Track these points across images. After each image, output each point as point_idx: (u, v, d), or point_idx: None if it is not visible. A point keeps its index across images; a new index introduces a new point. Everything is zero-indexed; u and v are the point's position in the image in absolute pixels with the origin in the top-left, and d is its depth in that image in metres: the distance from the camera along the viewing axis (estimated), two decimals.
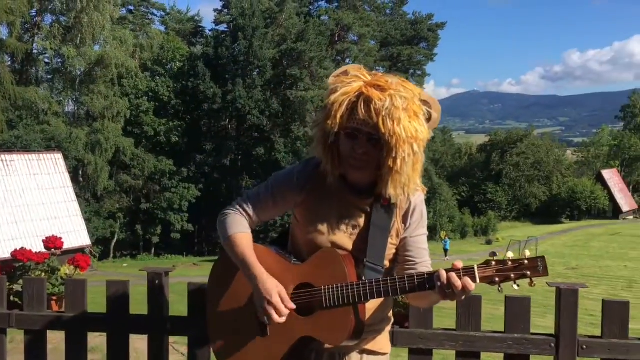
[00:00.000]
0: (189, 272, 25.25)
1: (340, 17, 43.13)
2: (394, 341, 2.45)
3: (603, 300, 2.38)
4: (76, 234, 27.64)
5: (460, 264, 1.68)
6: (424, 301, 1.92)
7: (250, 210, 1.95)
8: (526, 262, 1.67)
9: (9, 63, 37.18)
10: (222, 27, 45.94)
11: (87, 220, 31.85)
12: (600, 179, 60.01)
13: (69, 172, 30.37)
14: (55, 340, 3.00)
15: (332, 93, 1.78)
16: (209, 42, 44.17)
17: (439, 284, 1.68)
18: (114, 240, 39.56)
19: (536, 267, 1.66)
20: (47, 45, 36.15)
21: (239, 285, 1.96)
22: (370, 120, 1.71)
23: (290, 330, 1.84)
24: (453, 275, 1.66)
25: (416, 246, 1.93)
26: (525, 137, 60.91)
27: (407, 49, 47.16)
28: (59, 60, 38.52)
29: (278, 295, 1.78)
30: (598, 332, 2.40)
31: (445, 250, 32.56)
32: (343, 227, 1.89)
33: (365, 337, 1.91)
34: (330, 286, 1.79)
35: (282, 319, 1.78)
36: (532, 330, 2.42)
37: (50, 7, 37.50)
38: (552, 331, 2.44)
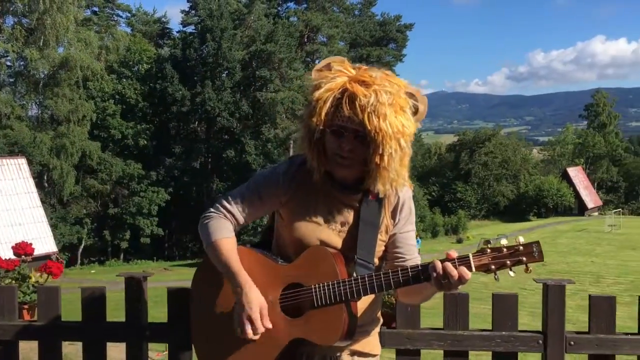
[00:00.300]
0: (160, 278, 24.89)
1: (309, 19, 43.13)
2: (381, 342, 2.40)
3: (590, 295, 2.37)
4: (42, 240, 26.95)
5: (455, 254, 1.66)
6: (417, 296, 1.88)
7: (234, 212, 1.88)
8: (521, 248, 1.65)
9: None
10: (190, 29, 45.53)
11: (53, 227, 31.16)
12: (565, 177, 61.24)
13: (34, 178, 29.70)
14: (24, 350, 2.88)
15: (315, 89, 1.74)
16: (177, 44, 43.69)
17: (434, 274, 1.65)
18: (81, 247, 38.80)
19: (531, 252, 1.65)
20: (8, 47, 35.28)
21: (223, 290, 1.89)
22: (355, 117, 1.68)
23: (280, 334, 1.79)
24: (449, 265, 1.63)
25: (405, 242, 1.90)
26: (492, 137, 61.79)
27: (376, 50, 47.40)
28: (22, 63, 37.65)
29: (259, 311, 1.75)
30: (568, 328, 2.38)
31: None
32: (331, 224, 1.85)
33: (356, 337, 1.86)
34: (321, 285, 1.75)
35: (256, 337, 1.75)
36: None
37: (11, 9, 36.66)
38: (530, 328, 2.43)
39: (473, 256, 1.65)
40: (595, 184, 65.75)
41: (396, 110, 1.70)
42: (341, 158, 1.75)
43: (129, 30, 49.21)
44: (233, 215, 1.88)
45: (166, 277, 24.73)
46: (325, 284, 1.74)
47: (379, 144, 1.68)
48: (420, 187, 52.90)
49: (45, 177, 36.72)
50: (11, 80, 39.48)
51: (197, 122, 42.89)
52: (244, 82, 41.84)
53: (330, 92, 1.72)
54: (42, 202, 29.55)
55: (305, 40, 44.70)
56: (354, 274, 1.77)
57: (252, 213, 1.90)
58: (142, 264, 38.04)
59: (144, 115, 42.09)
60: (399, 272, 1.72)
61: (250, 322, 1.74)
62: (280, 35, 39.66)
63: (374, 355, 1.99)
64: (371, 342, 1.98)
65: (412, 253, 1.90)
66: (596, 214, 58.95)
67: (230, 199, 1.90)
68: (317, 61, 45.90)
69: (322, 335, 1.76)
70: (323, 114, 1.71)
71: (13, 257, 2.75)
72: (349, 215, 1.85)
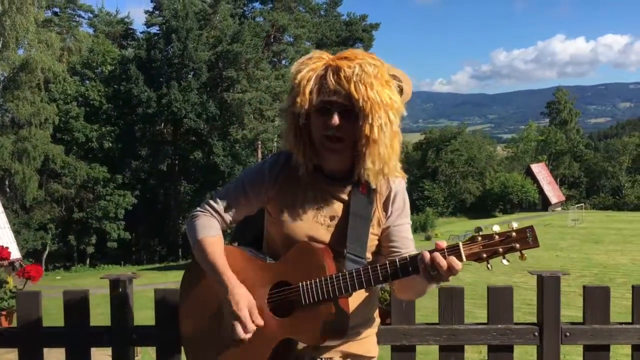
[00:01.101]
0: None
1: (275, 19, 42.95)
2: (376, 339, 2.36)
3: (584, 286, 2.38)
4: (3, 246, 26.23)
5: (444, 243, 1.58)
6: (412, 290, 1.80)
7: (221, 210, 1.83)
8: (514, 234, 1.55)
9: None
10: (154, 29, 44.83)
11: (16, 233, 30.36)
12: (529, 173, 62.40)
13: None
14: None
15: (296, 74, 1.71)
16: (141, 45, 43.03)
17: (422, 265, 1.57)
18: (46, 253, 37.88)
19: (525, 238, 1.54)
20: None
21: (212, 292, 1.81)
22: (341, 88, 1.64)
23: (269, 334, 1.73)
24: (437, 255, 1.55)
25: (400, 235, 1.82)
26: (458, 135, 62.60)
27: (342, 50, 47.48)
28: None
29: (247, 310, 1.70)
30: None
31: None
32: (320, 218, 1.79)
33: (350, 339, 1.81)
34: (308, 282, 1.68)
35: (248, 336, 1.69)
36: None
37: None
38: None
39: (463, 245, 1.56)
40: (558, 180, 67.19)
41: (382, 83, 1.66)
42: (330, 141, 1.69)
43: (91, 31, 48.32)
44: (219, 214, 1.83)
45: (138, 282, 24.25)
46: (313, 281, 1.68)
47: (368, 114, 1.63)
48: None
49: (7, 182, 35.79)
50: None
51: (163, 124, 42.30)
52: (210, 82, 41.44)
53: (313, 71, 1.68)
54: (4, 207, 28.74)
55: (272, 40, 44.51)
56: (344, 270, 1.69)
57: (240, 210, 1.85)
58: (109, 269, 37.34)
59: (109, 117, 41.30)
60: (387, 265, 1.64)
61: (240, 322, 1.69)
62: (246, 36, 39.38)
63: (370, 358, 1.91)
64: (366, 344, 1.90)
65: (408, 246, 1.82)
66: (559, 209, 60.23)
67: (216, 198, 1.85)
68: (283, 61, 45.78)
69: (308, 334, 1.70)
70: (307, 92, 1.67)
71: None
72: (339, 209, 1.79)
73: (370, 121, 1.64)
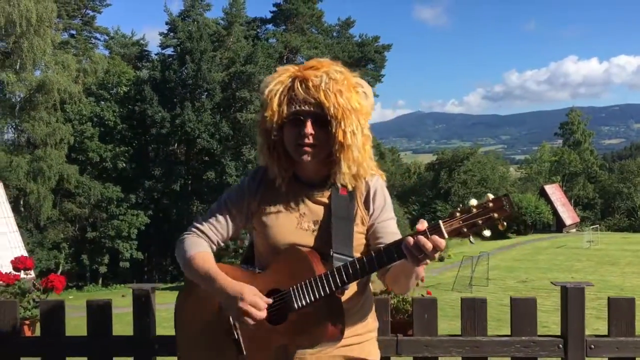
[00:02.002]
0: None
1: (288, 40, 43.38)
2: (398, 350, 2.35)
3: (609, 298, 2.35)
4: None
5: (424, 224, 1.57)
6: (403, 279, 1.75)
7: (207, 230, 1.86)
8: (490, 204, 1.53)
9: None
10: (169, 51, 45.45)
11: (30, 252, 30.54)
12: (543, 194, 61.92)
13: (10, 202, 29.09)
14: None
15: (264, 88, 1.75)
16: (156, 66, 43.54)
17: (408, 250, 1.56)
18: (59, 272, 38.00)
19: (502, 206, 1.52)
20: None
21: (205, 309, 1.83)
22: (311, 98, 1.68)
23: (265, 343, 1.73)
24: (421, 237, 1.54)
25: (386, 231, 1.83)
26: (471, 155, 62.45)
27: (354, 71, 47.59)
28: None
29: (250, 292, 1.67)
30: None
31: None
32: (304, 225, 1.81)
33: (350, 343, 1.80)
34: (297, 285, 1.68)
35: (262, 314, 1.65)
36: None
37: None
38: None
39: (443, 222, 1.55)
40: (572, 201, 66.62)
41: (349, 89, 1.71)
42: (303, 149, 1.71)
43: (107, 52, 48.98)
44: (206, 235, 1.86)
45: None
46: (302, 284, 1.68)
47: (340, 120, 1.67)
48: (400, 206, 53.07)
49: (22, 202, 36.04)
50: None
51: (176, 144, 42.60)
52: (224, 103, 41.77)
53: (280, 84, 1.72)
54: (19, 226, 28.94)
55: (285, 61, 44.90)
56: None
57: (226, 229, 1.87)
58: (121, 288, 37.32)
59: (123, 137, 41.69)
60: (373, 255, 1.64)
61: (248, 306, 1.65)
62: (259, 57, 39.76)
63: None
64: (367, 347, 1.88)
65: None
66: (574, 230, 59.62)
67: (201, 220, 1.88)
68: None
69: (304, 338, 1.69)
70: (275, 104, 1.70)
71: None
72: (321, 213, 1.81)
73: (343, 127, 1.68)
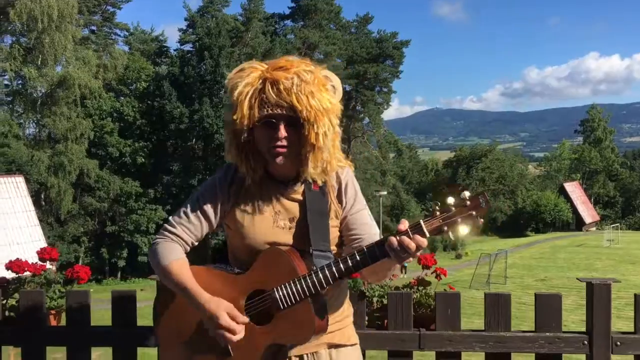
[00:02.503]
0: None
1: (306, 36, 43.36)
2: (421, 345, 2.35)
3: (635, 294, 2.32)
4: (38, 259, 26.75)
5: (405, 225, 1.60)
6: (380, 273, 1.80)
7: (180, 233, 1.84)
8: (468, 202, 1.59)
9: None
10: (188, 47, 45.66)
11: (51, 245, 30.82)
12: (562, 192, 61.33)
13: (31, 196, 29.50)
14: None
15: (233, 90, 1.72)
16: (175, 62, 43.78)
17: (392, 251, 1.60)
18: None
19: (479, 204, 1.58)
20: (6, 66, 35.29)
21: (187, 313, 1.81)
22: (282, 101, 1.67)
23: (253, 344, 1.73)
24: (404, 238, 1.58)
25: (359, 222, 1.86)
26: (489, 153, 62.04)
27: (373, 67, 47.61)
28: (20, 82, 37.69)
29: (226, 314, 1.69)
30: None
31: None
32: (280, 222, 1.81)
33: (331, 330, 1.82)
34: (281, 286, 1.69)
35: (239, 336, 1.69)
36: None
37: (10, 28, 36.71)
38: None
39: (424, 222, 1.59)
40: (592, 199, 65.85)
41: (319, 88, 1.70)
42: (276, 150, 1.72)
43: (126, 48, 49.38)
44: (180, 237, 1.84)
45: None
46: (286, 284, 1.69)
47: (313, 122, 1.68)
48: (417, 203, 52.95)
49: (43, 196, 36.53)
50: (9, 99, 39.48)
51: (195, 140, 42.83)
52: None
53: (249, 86, 1.69)
54: (40, 220, 29.36)
55: (303, 57, 44.93)
56: (313, 266, 1.71)
57: (199, 230, 1.85)
58: (139, 282, 37.70)
59: (142, 132, 42.03)
60: (356, 254, 1.67)
61: (224, 328, 1.68)
62: (277, 53, 39.79)
63: (353, 345, 1.93)
64: (347, 333, 1.92)
65: (368, 231, 1.85)
66: (594, 229, 58.93)
67: (173, 222, 1.85)
68: None
69: (294, 336, 1.72)
70: (246, 107, 1.69)
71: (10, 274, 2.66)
72: (296, 210, 1.81)
73: (315, 130, 1.68)
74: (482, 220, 1.59)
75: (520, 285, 27.14)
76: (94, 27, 47.93)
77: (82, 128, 36.78)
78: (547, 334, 2.31)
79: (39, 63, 35.34)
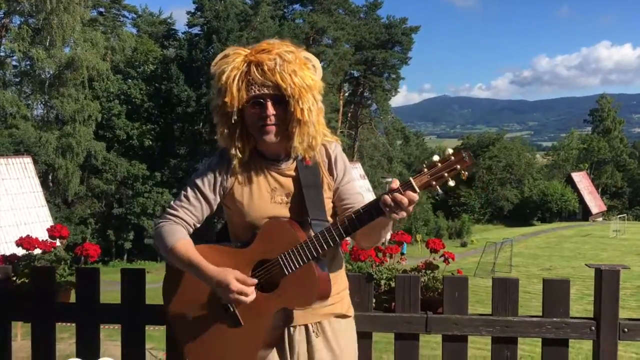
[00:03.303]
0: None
1: (314, 20, 43.09)
2: (427, 328, 2.35)
3: None
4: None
5: (397, 183, 1.72)
6: (376, 233, 1.89)
7: (182, 215, 1.92)
8: (452, 157, 1.71)
9: None
10: (196, 30, 45.45)
11: None
12: (570, 182, 61.06)
13: (39, 177, 29.63)
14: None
15: (221, 74, 1.83)
16: (183, 45, 43.67)
17: (387, 208, 1.71)
18: None
19: (462, 158, 1.71)
20: (15, 47, 35.26)
21: (195, 288, 1.89)
22: (268, 81, 1.79)
23: (262, 311, 1.83)
24: (397, 195, 1.69)
25: (350, 192, 1.99)
26: (496, 141, 61.74)
27: (381, 53, 47.30)
28: (28, 63, 37.63)
29: (235, 280, 1.76)
30: None
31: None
32: (277, 198, 1.92)
33: (332, 301, 1.94)
34: (285, 253, 1.80)
35: (252, 297, 1.77)
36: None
37: (18, 9, 36.61)
38: None
39: (414, 178, 1.72)
40: (600, 189, 65.56)
41: (301, 67, 1.82)
42: (264, 128, 1.82)
43: (134, 31, 49.28)
44: (182, 219, 1.92)
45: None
46: (289, 250, 1.79)
47: (298, 99, 1.79)
48: (423, 191, 52.86)
49: (51, 177, 36.70)
50: (17, 79, 39.51)
51: (201, 124, 42.84)
52: None
53: (236, 70, 1.81)
54: (47, 201, 29.51)
55: (311, 42, 44.66)
56: (312, 232, 1.83)
57: (200, 212, 1.95)
58: (145, 264, 37.98)
59: (149, 115, 42.05)
60: (353, 215, 1.78)
61: (236, 291, 1.75)
62: (286, 37, 39.43)
63: (350, 316, 2.05)
64: (345, 304, 2.04)
65: (359, 200, 1.97)
66: (600, 219, 58.75)
67: (175, 205, 1.95)
68: (322, 63, 45.75)
69: (300, 299, 1.81)
70: (234, 90, 1.79)
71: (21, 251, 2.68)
72: (290, 185, 1.92)
73: (300, 105, 1.79)
74: (466, 173, 1.71)
75: (526, 274, 27.15)
76: (102, 9, 47.79)
77: (90, 110, 36.81)
78: (555, 319, 2.31)
79: (47, 44, 35.29)
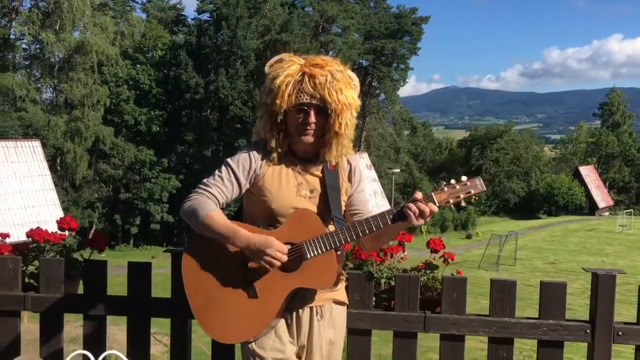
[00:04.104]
0: (169, 264, 24.97)
1: (324, 9, 42.89)
2: (426, 327, 2.41)
3: None
4: (54, 223, 26.98)
5: (420, 195, 1.97)
6: (383, 239, 2.17)
7: (215, 192, 2.08)
8: (469, 182, 1.99)
9: None
10: (205, 16, 45.35)
11: (65, 210, 31.31)
12: (577, 176, 60.79)
13: (47, 161, 29.79)
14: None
15: (275, 78, 2.02)
16: (192, 31, 43.58)
17: (411, 214, 1.94)
18: (92, 230, 38.96)
19: (476, 185, 2.00)
20: (25, 30, 35.35)
21: (218, 260, 2.05)
22: (316, 93, 2.00)
23: (280, 288, 2.01)
24: (421, 204, 1.95)
25: (360, 200, 2.22)
26: (504, 133, 61.43)
27: (390, 42, 47.02)
28: (38, 46, 37.75)
29: (277, 241, 1.96)
30: None
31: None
32: (302, 192, 2.12)
33: (335, 288, 2.15)
34: (312, 239, 2.00)
35: (285, 258, 1.96)
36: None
37: None
38: None
39: (435, 194, 1.98)
40: (607, 184, 65.26)
41: (347, 85, 2.04)
42: (305, 131, 2.04)
43: (144, 16, 49.21)
44: (214, 195, 2.08)
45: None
46: (317, 237, 1.99)
47: (339, 114, 2.02)
48: (430, 181, 52.80)
49: (59, 161, 36.88)
50: (27, 63, 39.64)
51: (209, 110, 42.85)
52: (257, 71, 41.72)
53: (290, 77, 2.01)
54: (55, 185, 29.68)
55: (320, 30, 44.50)
56: (336, 227, 2.04)
57: (230, 192, 2.11)
58: (151, 249, 38.22)
59: (157, 101, 42.07)
60: (378, 217, 2.01)
61: (270, 255, 1.95)
62: (295, 25, 39.47)
63: (346, 304, 2.27)
64: (343, 293, 2.26)
65: (367, 208, 2.22)
66: (607, 213, 58.54)
67: (209, 182, 2.10)
68: (331, 52, 45.70)
69: (319, 280, 2.01)
70: (286, 95, 2.00)
71: (26, 239, 2.73)
72: (316, 183, 2.13)
73: (340, 120, 2.02)
74: (476, 197, 1.98)
75: (530, 267, 27.17)
76: None
77: (99, 95, 36.90)
78: (550, 321, 2.36)
79: (57, 28, 35.34)
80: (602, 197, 61.23)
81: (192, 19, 48.59)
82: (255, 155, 2.11)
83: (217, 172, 2.12)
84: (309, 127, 2.03)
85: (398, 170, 36.51)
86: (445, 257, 2.56)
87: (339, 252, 2.05)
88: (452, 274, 2.49)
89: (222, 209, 2.10)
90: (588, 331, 2.34)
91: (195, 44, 40.89)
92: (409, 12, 49.32)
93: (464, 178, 1.98)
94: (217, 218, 2.01)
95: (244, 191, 2.12)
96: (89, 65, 36.46)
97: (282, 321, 2.10)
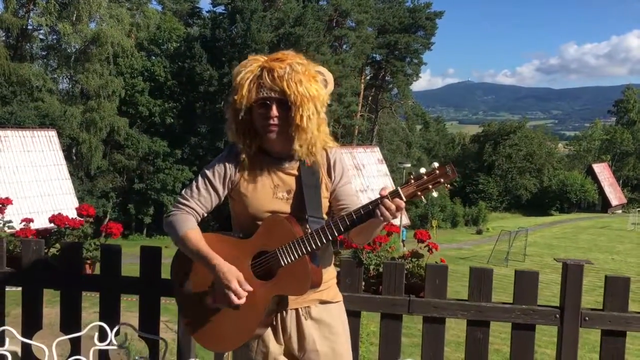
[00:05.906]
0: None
1: (338, 3, 42.96)
2: (410, 309, 2.64)
3: (606, 276, 2.57)
4: (69, 212, 27.07)
5: (386, 191, 1.93)
6: (364, 236, 2.11)
7: (193, 205, 2.12)
8: (437, 171, 1.92)
9: (4, 38, 36.85)
10: (220, 9, 45.64)
11: (80, 199, 31.75)
12: (590, 173, 60.51)
13: (63, 150, 30.26)
14: (51, 315, 3.14)
15: (236, 75, 2.03)
16: (206, 24, 43.87)
17: (378, 212, 1.91)
18: (106, 220, 39.52)
19: (446, 172, 1.91)
20: (42, 21, 35.79)
21: (201, 273, 2.10)
22: (276, 86, 1.97)
23: (260, 297, 2.02)
24: (386, 201, 1.91)
25: (346, 194, 2.19)
26: (518, 129, 61.21)
27: (404, 37, 47.04)
28: (54, 37, 38.24)
29: (236, 281, 1.98)
30: None
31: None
32: (279, 194, 2.11)
33: (320, 289, 2.12)
34: (282, 246, 2.00)
35: (242, 300, 1.98)
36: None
37: None
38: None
39: (401, 188, 1.93)
40: (621, 182, 64.86)
41: (309, 78, 2.00)
42: (269, 127, 2.01)
43: (159, 8, 49.60)
44: (193, 209, 2.11)
45: None
46: (287, 244, 1.99)
47: (299, 106, 1.97)
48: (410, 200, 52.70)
49: (74, 150, 37.41)
50: (43, 53, 40.16)
51: (223, 103, 43.14)
52: None
53: (250, 73, 2.00)
54: (70, 174, 30.16)
55: (334, 24, 44.59)
56: (309, 230, 2.03)
57: (209, 202, 2.13)
58: (164, 239, 38.66)
59: (172, 93, 42.46)
60: (345, 217, 1.98)
61: (232, 291, 1.97)
62: (309, 19, 39.59)
63: (337, 302, 2.26)
64: (331, 292, 2.23)
65: (354, 202, 2.18)
66: (620, 211, 58.23)
67: (186, 195, 2.13)
68: (344, 46, 45.81)
69: (295, 288, 2.00)
70: (245, 90, 1.99)
71: (43, 225, 3.00)
72: (292, 183, 2.11)
73: (300, 112, 1.98)
74: (448, 185, 1.93)
75: (539, 264, 27.18)
76: None
77: (114, 86, 37.33)
78: (523, 306, 2.58)
79: (74, 19, 35.73)
80: (615, 194, 60.90)
81: (207, 12, 48.96)
82: (229, 159, 2.11)
83: (194, 183, 2.13)
84: (271, 122, 1.99)
85: (409, 165, 36.55)
86: (430, 247, 2.78)
87: (315, 256, 2.04)
88: (435, 262, 2.71)
89: (209, 213, 2.17)
90: (557, 316, 2.56)
91: (210, 37, 41.17)
92: (423, 6, 49.27)
93: (435, 164, 1.92)
94: (193, 239, 2.04)
95: (223, 198, 2.14)
96: (105, 57, 36.88)
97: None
